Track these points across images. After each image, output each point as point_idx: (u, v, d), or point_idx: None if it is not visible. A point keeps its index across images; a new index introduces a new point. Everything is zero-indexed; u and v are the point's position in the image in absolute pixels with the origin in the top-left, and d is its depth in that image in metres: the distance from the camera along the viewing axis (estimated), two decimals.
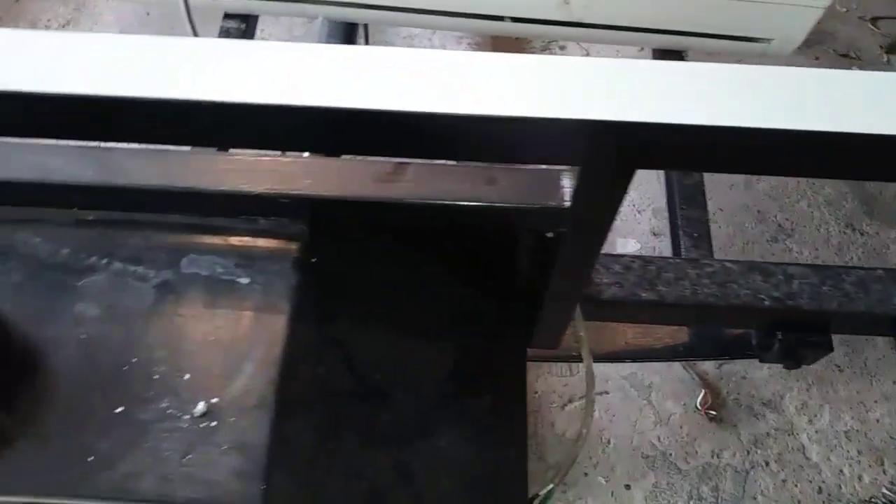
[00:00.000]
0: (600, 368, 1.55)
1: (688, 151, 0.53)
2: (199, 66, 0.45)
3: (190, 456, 0.62)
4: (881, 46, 2.12)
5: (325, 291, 0.72)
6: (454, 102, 0.47)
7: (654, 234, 1.80)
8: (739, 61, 0.47)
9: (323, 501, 0.65)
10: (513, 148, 0.53)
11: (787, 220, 1.84)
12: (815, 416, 1.59)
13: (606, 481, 1.51)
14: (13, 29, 0.47)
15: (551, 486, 0.93)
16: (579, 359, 1.15)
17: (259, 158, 0.72)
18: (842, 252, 1.80)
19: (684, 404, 1.60)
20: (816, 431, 1.57)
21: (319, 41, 1.51)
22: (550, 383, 1.61)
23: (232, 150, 0.78)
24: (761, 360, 1.13)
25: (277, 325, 0.69)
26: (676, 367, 1.63)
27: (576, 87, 0.49)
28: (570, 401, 1.60)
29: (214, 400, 0.64)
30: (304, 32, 2.06)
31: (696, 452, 1.55)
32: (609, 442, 1.56)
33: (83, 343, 0.67)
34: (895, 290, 0.97)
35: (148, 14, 2.11)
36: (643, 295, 1.01)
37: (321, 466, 0.66)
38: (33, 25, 2.09)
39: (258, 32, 1.52)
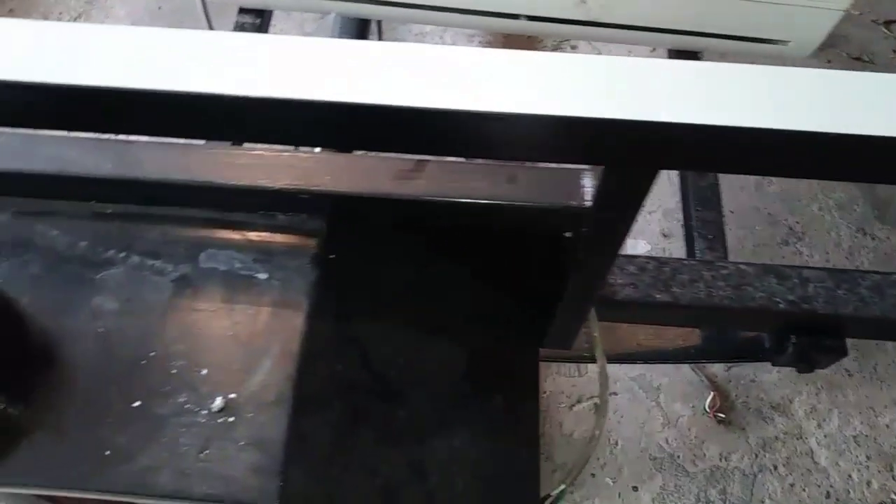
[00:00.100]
0: (609, 369, 1.55)
1: (714, 152, 0.52)
2: (219, 60, 0.44)
3: (207, 451, 0.61)
4: (894, 50, 2.11)
5: (342, 288, 0.72)
6: (477, 99, 0.46)
7: (665, 236, 1.79)
8: (752, 63, 0.47)
9: (339, 498, 0.65)
10: (535, 146, 0.53)
11: (797, 223, 1.83)
12: (825, 420, 1.58)
13: (614, 482, 1.51)
14: (30, 20, 0.47)
15: (563, 486, 0.93)
16: (591, 359, 1.15)
17: (278, 154, 0.72)
18: (852, 256, 1.79)
19: (693, 406, 1.59)
20: (825, 436, 1.57)
21: (332, 37, 1.51)
22: (559, 383, 1.61)
23: (248, 145, 0.78)
24: (774, 364, 1.13)
25: (295, 321, 0.68)
26: (685, 369, 1.62)
27: (601, 85, 0.48)
28: (579, 401, 1.59)
29: (232, 395, 0.64)
30: (316, 28, 2.06)
31: (705, 455, 1.54)
32: (617, 443, 1.55)
33: (100, 336, 0.66)
34: None
35: (160, 8, 2.11)
36: (658, 296, 1.01)
37: (337, 463, 0.65)
38: (45, 18, 2.09)
39: (270, 28, 1.51)
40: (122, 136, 0.71)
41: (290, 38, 0.46)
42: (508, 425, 0.73)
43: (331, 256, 0.72)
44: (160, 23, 2.04)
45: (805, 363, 1.09)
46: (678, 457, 1.53)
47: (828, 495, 1.51)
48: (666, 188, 1.78)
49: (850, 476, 1.52)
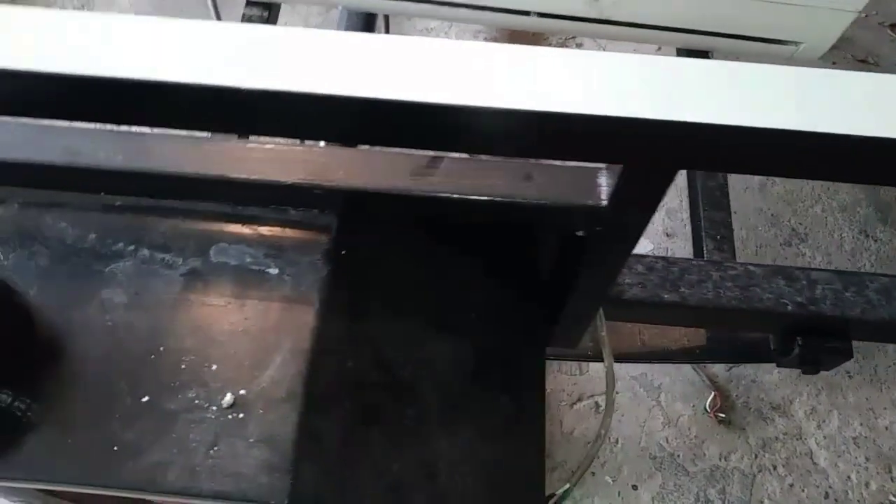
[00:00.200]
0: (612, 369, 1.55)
1: (735, 153, 0.51)
2: (229, 51, 0.43)
3: (217, 447, 0.61)
4: None
5: (353, 285, 0.71)
6: (494, 96, 0.45)
7: (668, 235, 1.79)
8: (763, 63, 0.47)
9: (349, 497, 0.64)
10: (553, 145, 0.52)
11: (800, 224, 1.83)
12: (824, 421, 1.59)
13: (614, 481, 1.51)
14: (34, 7, 0.46)
15: (567, 486, 0.93)
16: (596, 358, 1.14)
17: (291, 148, 0.71)
18: (855, 258, 1.79)
19: (693, 406, 1.59)
20: (825, 437, 1.57)
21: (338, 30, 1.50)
22: (559, 381, 1.61)
23: (260, 138, 0.77)
24: (779, 365, 1.13)
25: (306, 317, 0.68)
26: (686, 368, 1.62)
27: (621, 83, 0.47)
28: (580, 399, 1.59)
29: (242, 391, 0.63)
30: (321, 23, 2.05)
31: (704, 455, 1.54)
32: (617, 442, 1.55)
33: (109, 330, 0.66)
34: None
35: None
36: (665, 296, 1.00)
37: (348, 461, 0.65)
38: (48, 6, 2.07)
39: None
40: (132, 128, 0.71)
41: (302, 31, 0.45)
42: (514, 424, 0.73)
43: (342, 252, 0.72)
44: (163, 13, 2.02)
45: (811, 365, 1.09)
46: (678, 456, 1.54)
47: (826, 496, 1.51)
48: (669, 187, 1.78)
49: (849, 477, 1.53)
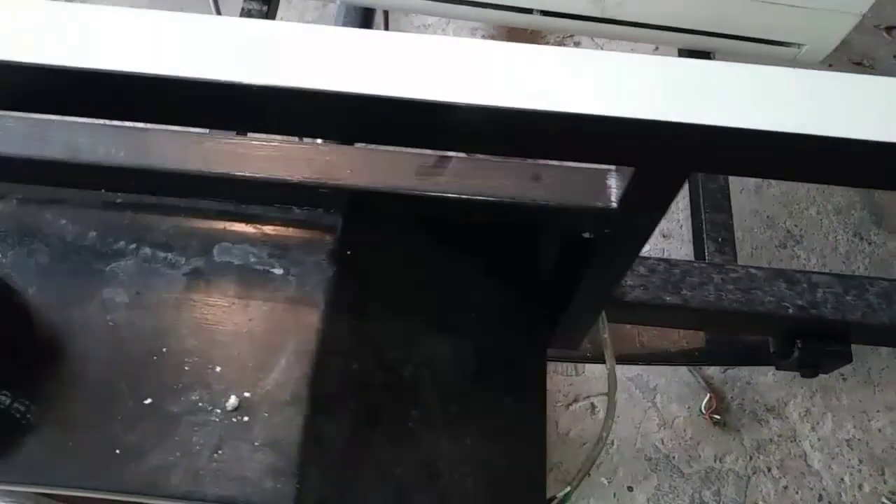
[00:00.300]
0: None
1: (750, 157, 0.51)
2: (229, 46, 0.42)
3: (221, 451, 0.60)
4: (895, 56, 2.11)
5: (358, 285, 0.70)
6: (505, 95, 0.45)
7: (664, 236, 1.79)
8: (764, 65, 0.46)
9: (352, 500, 0.64)
10: (565, 146, 0.51)
11: (795, 226, 1.83)
12: (818, 423, 1.59)
13: (609, 482, 1.51)
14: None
15: (568, 488, 0.92)
16: (594, 360, 1.14)
17: (296, 146, 0.70)
18: (849, 260, 1.80)
19: (689, 408, 1.59)
20: (819, 439, 1.58)
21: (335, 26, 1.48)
22: (555, 382, 1.60)
23: (264, 136, 0.76)
24: (778, 368, 1.13)
25: (311, 318, 0.67)
26: (682, 370, 1.63)
27: (634, 84, 0.47)
28: (575, 400, 1.59)
29: (246, 394, 0.62)
30: (318, 18, 2.03)
31: (700, 456, 1.54)
32: (613, 443, 1.55)
33: (110, 330, 0.64)
34: None
35: None
36: (667, 298, 1.00)
37: (353, 465, 0.64)
38: None
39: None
40: (134, 124, 0.69)
41: (304, 27, 0.44)
42: (517, 426, 0.73)
43: (347, 252, 0.71)
44: (159, 6, 2.00)
45: (810, 368, 1.09)
46: (673, 458, 1.54)
47: (820, 498, 1.52)
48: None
49: (842, 479, 1.54)
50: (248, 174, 0.67)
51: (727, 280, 1.01)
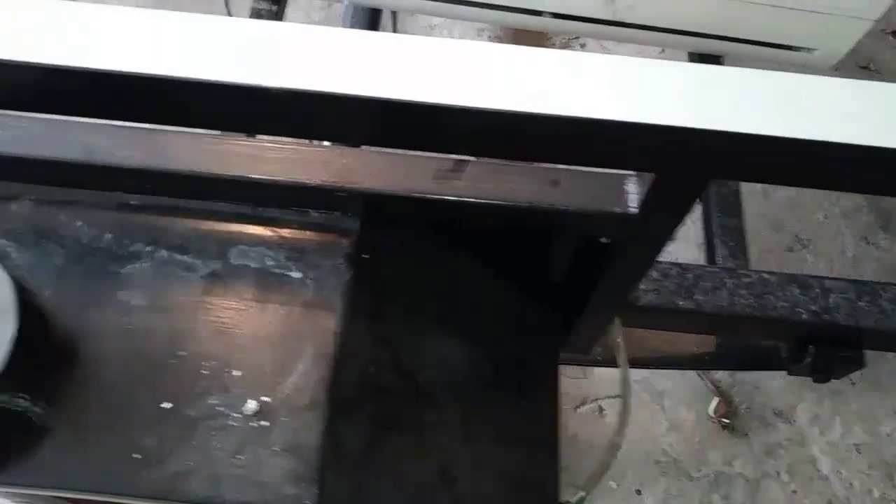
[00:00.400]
0: (616, 373, 1.54)
1: (773, 164, 0.50)
2: (245, 49, 0.42)
3: (240, 456, 0.59)
4: None
5: (375, 289, 0.70)
6: (529, 101, 0.44)
7: (671, 239, 1.78)
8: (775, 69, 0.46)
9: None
10: (585, 151, 0.51)
11: (803, 230, 1.83)
12: (827, 428, 1.59)
13: (617, 486, 1.50)
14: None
15: (582, 493, 0.92)
16: (605, 363, 1.13)
17: (313, 148, 0.69)
18: (857, 265, 1.80)
19: (697, 411, 1.59)
20: (828, 443, 1.57)
21: (343, 27, 1.48)
22: (563, 385, 1.58)
23: (280, 139, 0.75)
24: (790, 373, 1.13)
25: (328, 322, 0.66)
26: (690, 373, 1.62)
27: (656, 90, 0.46)
28: (583, 403, 1.58)
29: (265, 398, 0.61)
30: (324, 18, 2.03)
31: (708, 460, 1.54)
32: (621, 447, 1.54)
33: (127, 333, 0.64)
34: None
35: None
36: (680, 303, 1.00)
37: (370, 469, 0.64)
38: None
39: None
40: (150, 125, 0.69)
41: (320, 29, 0.44)
42: (530, 431, 0.73)
43: (364, 256, 0.70)
44: (165, 6, 1.99)
45: (822, 373, 1.09)
46: (682, 461, 1.53)
47: (829, 503, 1.52)
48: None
49: (851, 484, 1.53)
50: (265, 177, 0.67)
51: (740, 285, 1.01)
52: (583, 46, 2.08)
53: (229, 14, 1.20)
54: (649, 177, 0.64)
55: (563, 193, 0.69)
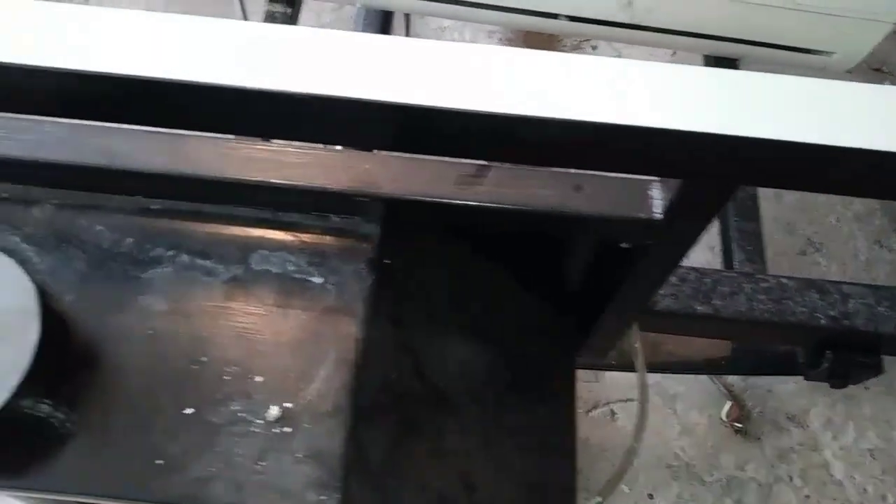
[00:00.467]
0: (628, 376, 1.54)
1: (803, 170, 0.50)
2: (267, 53, 0.41)
3: (263, 463, 0.59)
4: None
5: (396, 294, 0.70)
6: (551, 106, 0.44)
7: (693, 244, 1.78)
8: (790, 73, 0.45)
9: None
10: (612, 158, 0.51)
11: (815, 233, 1.82)
12: (840, 432, 1.58)
13: (629, 490, 1.50)
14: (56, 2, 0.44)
15: (598, 499, 0.92)
16: (621, 367, 1.13)
17: (334, 153, 0.69)
18: (870, 268, 1.79)
19: (709, 415, 1.58)
20: (841, 448, 1.56)
21: (355, 30, 1.48)
22: (577, 389, 1.59)
23: (300, 143, 0.75)
24: (807, 378, 1.12)
25: (350, 327, 0.66)
26: (702, 377, 1.61)
27: (683, 96, 0.46)
28: (595, 406, 1.58)
29: (288, 404, 0.61)
30: (334, 20, 2.02)
31: (721, 464, 1.53)
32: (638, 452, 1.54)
33: (149, 338, 0.64)
34: None
35: None
36: (698, 308, 0.99)
37: (393, 476, 0.64)
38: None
39: None
40: (171, 130, 0.69)
41: (337, 34, 0.43)
42: (549, 436, 0.72)
43: (385, 261, 0.70)
44: (174, 9, 2.00)
45: (839, 379, 1.08)
46: (694, 465, 1.53)
47: None
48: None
49: (865, 489, 1.52)
50: (286, 181, 0.67)
51: (758, 290, 1.00)
52: (594, 49, 2.08)
53: (245, 17, 1.20)
54: (674, 182, 0.63)
55: (587, 199, 0.69)
